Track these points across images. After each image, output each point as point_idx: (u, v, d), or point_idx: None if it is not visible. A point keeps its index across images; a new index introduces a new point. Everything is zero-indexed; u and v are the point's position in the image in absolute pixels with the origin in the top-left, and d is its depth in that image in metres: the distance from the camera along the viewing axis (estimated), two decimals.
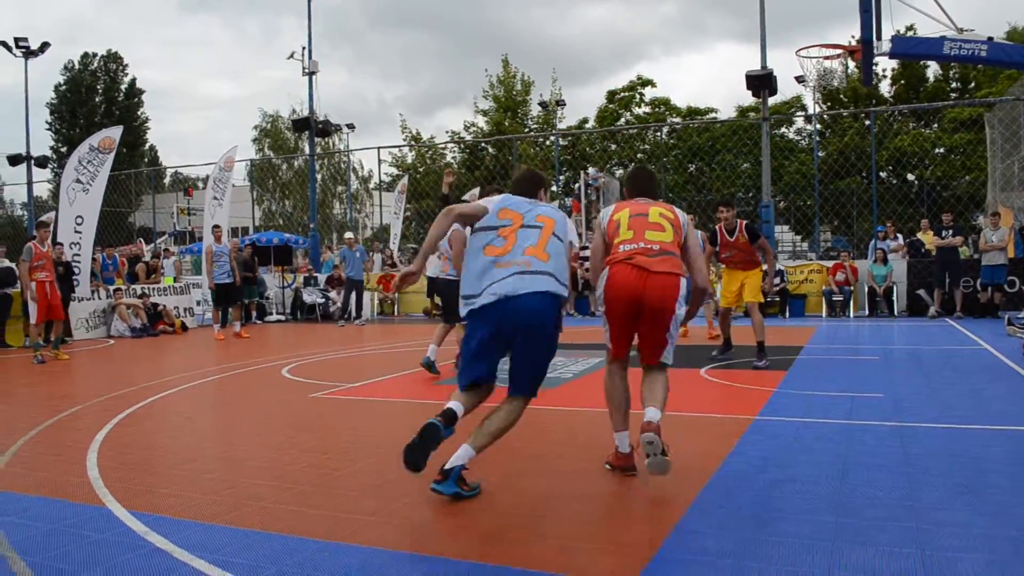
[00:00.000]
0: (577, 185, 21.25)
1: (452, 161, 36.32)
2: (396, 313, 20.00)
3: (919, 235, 17.13)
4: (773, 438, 5.25)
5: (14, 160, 25.68)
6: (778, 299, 16.33)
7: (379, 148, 25.41)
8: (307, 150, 25.27)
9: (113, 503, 4.09)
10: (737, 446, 5.02)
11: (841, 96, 32.67)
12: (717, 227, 9.27)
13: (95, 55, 53.51)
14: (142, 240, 27.28)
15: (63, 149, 47.12)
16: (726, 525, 3.53)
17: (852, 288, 16.04)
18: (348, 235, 18.91)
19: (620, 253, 4.33)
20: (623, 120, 37.55)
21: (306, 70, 22.70)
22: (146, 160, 50.37)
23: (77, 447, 5.48)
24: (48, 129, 51.16)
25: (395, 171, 35.71)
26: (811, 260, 18.72)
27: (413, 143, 36.80)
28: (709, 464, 4.56)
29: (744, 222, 9.33)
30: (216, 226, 15.84)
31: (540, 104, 36.75)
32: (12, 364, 11.18)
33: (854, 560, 3.09)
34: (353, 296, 17.80)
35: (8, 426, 6.54)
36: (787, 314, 16.21)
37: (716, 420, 6.09)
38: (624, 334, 4.45)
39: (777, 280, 16.33)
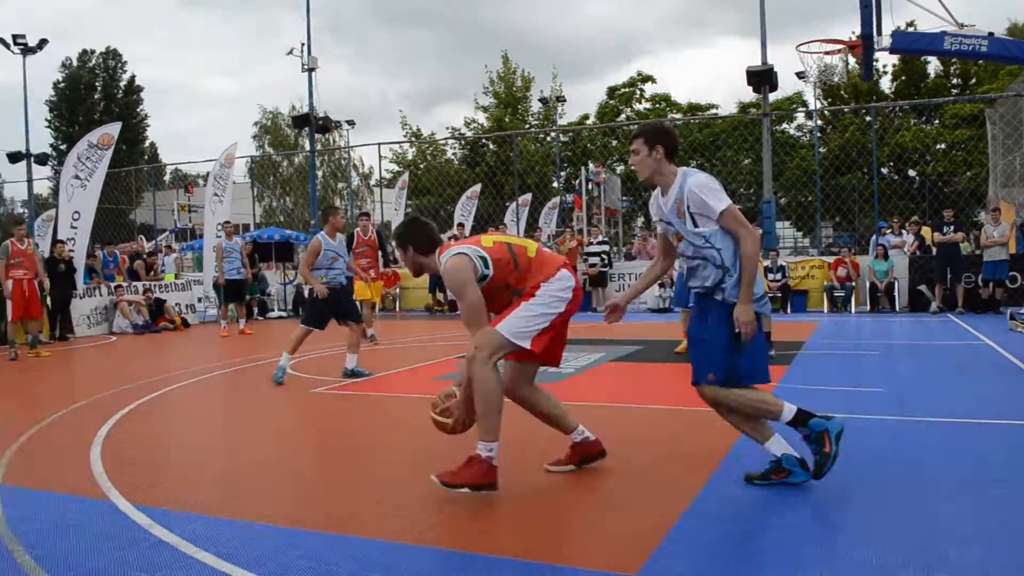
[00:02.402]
0: (578, 181, 21.22)
1: (453, 157, 36.30)
2: (397, 309, 20.00)
3: (921, 231, 17.11)
4: (775, 431, 5.24)
5: (14, 157, 25.69)
6: (779, 295, 16.33)
7: (380, 144, 25.37)
8: (307, 147, 25.27)
9: (117, 497, 4.10)
10: (739, 441, 5.00)
11: (842, 92, 32.69)
12: None
13: (94, 52, 53.53)
14: (143, 237, 27.28)
15: (63, 147, 47.12)
16: (729, 517, 3.55)
17: (853, 284, 16.04)
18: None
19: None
20: (624, 116, 37.57)
21: (305, 66, 22.68)
22: (146, 157, 50.41)
23: (81, 442, 5.48)
24: (48, 127, 51.20)
25: (396, 167, 35.73)
26: (812, 256, 18.72)
27: (414, 140, 36.81)
28: (711, 457, 4.57)
29: None
30: (227, 222, 15.88)
31: (541, 100, 36.80)
32: (17, 363, 11.17)
33: (854, 552, 3.10)
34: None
35: (12, 421, 6.55)
36: (789, 309, 16.21)
37: (715, 417, 6.08)
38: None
39: (779, 276, 16.34)
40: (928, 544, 3.16)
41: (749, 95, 28.33)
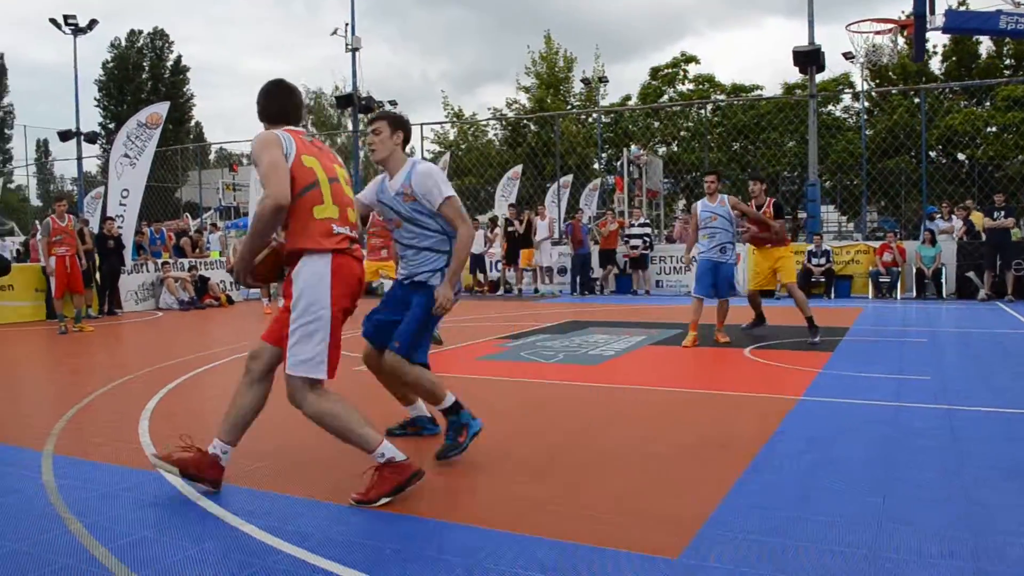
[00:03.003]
0: (619, 163, 21.08)
1: (494, 138, 36.22)
2: None
3: (970, 216, 16.76)
4: (818, 419, 5.21)
5: (64, 136, 26.24)
6: (823, 280, 16.13)
7: (422, 125, 25.47)
8: (350, 127, 25.41)
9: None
10: (781, 426, 4.98)
11: (890, 73, 31.99)
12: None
13: (141, 32, 54.23)
14: (188, 215, 27.67)
15: (111, 125, 47.88)
16: (770, 504, 3.52)
17: (900, 269, 15.78)
18: None
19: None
20: (666, 97, 37.18)
21: (349, 46, 22.79)
22: (191, 136, 51.09)
23: (130, 414, 5.61)
24: (96, 106, 52.06)
25: (437, 148, 35.79)
26: (857, 240, 18.43)
27: (455, 120, 36.81)
28: (753, 443, 4.53)
29: (773, 200, 9.29)
30: None
31: (583, 81, 36.55)
32: (67, 336, 11.43)
33: (899, 541, 3.06)
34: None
35: (63, 393, 6.74)
36: (832, 295, 16.00)
37: (760, 400, 6.05)
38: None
39: (823, 260, 16.12)
40: (973, 535, 3.11)
41: (795, 76, 27.79)
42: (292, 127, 3.77)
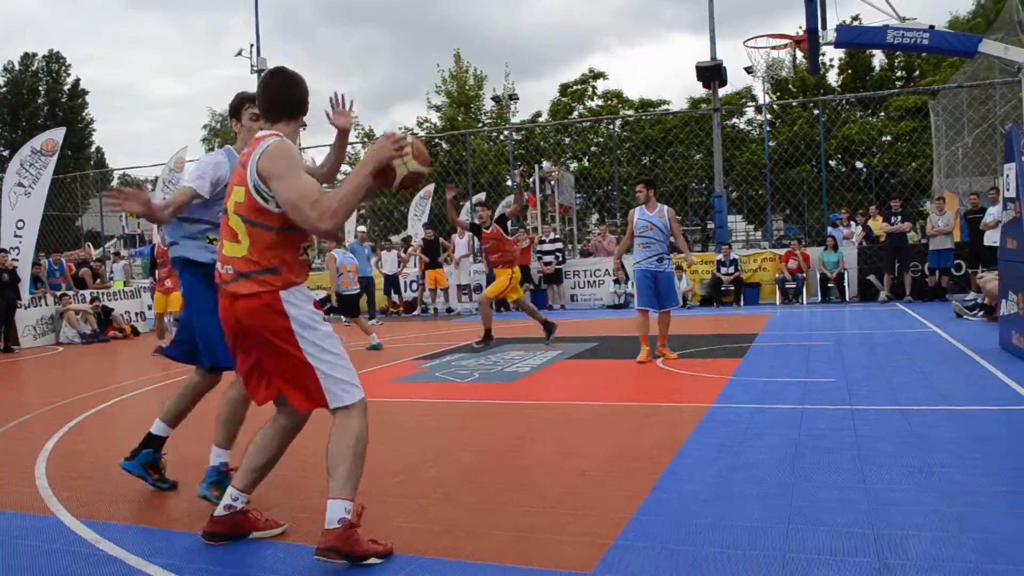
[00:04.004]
0: (531, 179, 21.25)
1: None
2: None
3: (869, 222, 17.42)
4: (728, 425, 5.31)
5: None
6: (732, 288, 16.51)
7: (331, 146, 25.10)
8: None
9: (63, 512, 4.01)
10: (693, 434, 5.06)
11: (790, 86, 33.14)
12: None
13: (35, 55, 52.27)
14: (90, 244, 26.74)
15: (5, 153, 45.89)
16: (683, 512, 3.56)
17: (805, 275, 16.27)
18: (361, 229, 17.99)
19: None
20: (576, 113, 37.69)
21: (255, 67, 22.44)
22: (92, 162, 49.36)
23: (26, 457, 5.35)
24: None
25: (348, 168, 35.43)
26: (764, 249, 18.95)
27: (367, 140, 36.55)
28: (665, 453, 4.59)
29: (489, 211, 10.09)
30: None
31: (493, 99, 36.78)
32: None
33: (808, 542, 3.14)
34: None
35: None
36: (741, 302, 16.39)
37: (672, 409, 6.14)
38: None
39: (731, 269, 16.50)
40: (876, 531, 3.20)
41: (700, 90, 28.61)
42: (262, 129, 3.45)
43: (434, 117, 37.42)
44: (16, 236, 14.72)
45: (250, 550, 3.38)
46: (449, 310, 18.64)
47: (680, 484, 4.01)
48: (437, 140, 34.71)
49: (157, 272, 11.68)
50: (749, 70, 20.50)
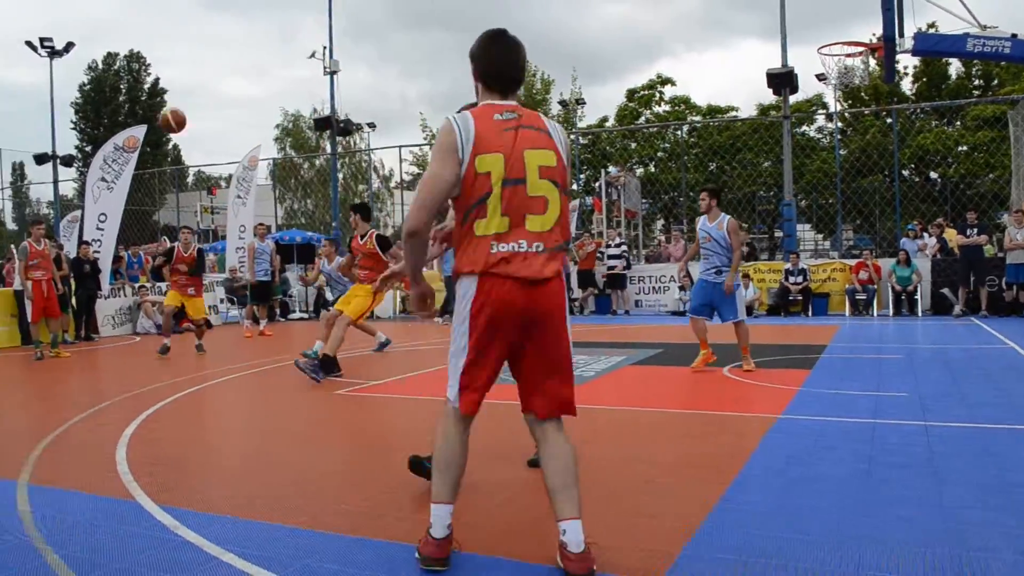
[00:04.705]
0: (598, 183, 21.21)
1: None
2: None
3: (943, 234, 16.99)
4: (797, 436, 5.24)
5: (40, 159, 26.06)
6: (800, 298, 16.26)
7: (400, 147, 25.51)
8: (328, 149, 25.41)
9: (143, 497, 4.15)
10: (761, 445, 5.01)
11: (862, 94, 32.46)
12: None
13: (118, 55, 54.03)
14: (166, 238, 27.49)
15: (88, 148, 47.59)
16: (750, 524, 3.53)
17: (875, 287, 15.94)
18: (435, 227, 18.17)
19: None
20: (643, 119, 37.48)
21: (327, 69, 22.81)
22: (169, 159, 50.77)
23: (106, 442, 5.55)
24: (73, 128, 51.72)
25: (416, 170, 35.83)
26: (833, 259, 18.61)
27: (434, 142, 36.89)
28: (733, 463, 4.55)
29: (375, 232, 9.16)
30: (259, 224, 16.03)
31: (560, 103, 36.79)
32: (43, 362, 11.31)
33: (881, 560, 3.08)
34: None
35: (39, 421, 6.66)
36: (809, 312, 16.14)
37: (740, 419, 6.08)
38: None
39: (799, 279, 16.26)
40: (954, 552, 3.14)
41: (769, 97, 28.15)
42: (497, 102, 3.12)
43: None
44: (98, 229, 15.27)
45: (322, 542, 3.46)
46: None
47: (748, 495, 3.97)
48: None
49: (172, 275, 11.76)
50: (821, 77, 20.21)
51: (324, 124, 23.51)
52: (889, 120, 28.20)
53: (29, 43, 24.80)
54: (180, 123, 10.06)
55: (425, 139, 36.90)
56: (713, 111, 36.72)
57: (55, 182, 27.23)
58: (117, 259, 16.57)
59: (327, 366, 8.45)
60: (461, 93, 77.51)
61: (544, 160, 3.00)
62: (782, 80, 17.83)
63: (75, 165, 29.62)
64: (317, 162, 41.10)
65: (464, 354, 3.07)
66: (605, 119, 39.17)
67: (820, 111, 33.83)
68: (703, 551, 3.22)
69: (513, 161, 2.94)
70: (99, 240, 15.25)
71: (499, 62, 3.14)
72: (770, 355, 9.26)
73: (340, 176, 23.85)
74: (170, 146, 54.56)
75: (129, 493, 4.25)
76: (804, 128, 34.28)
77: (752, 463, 4.56)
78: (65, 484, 4.48)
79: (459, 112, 3.10)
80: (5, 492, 4.34)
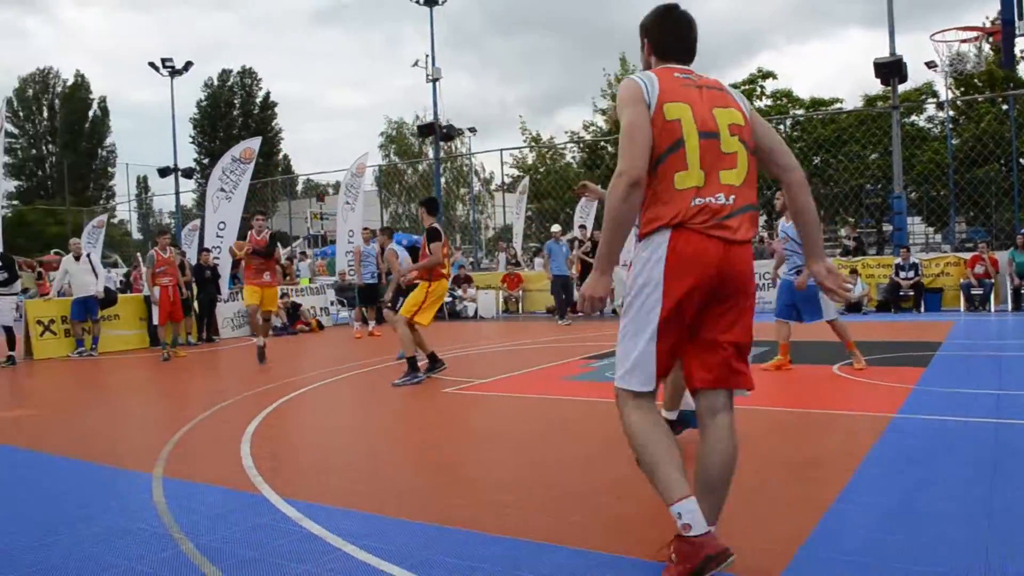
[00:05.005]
0: None
1: (572, 161, 36.39)
2: (520, 311, 20.22)
3: None
4: (914, 436, 5.09)
5: (163, 172, 27.42)
6: (912, 293, 15.68)
7: (501, 150, 25.76)
8: (431, 154, 25.85)
9: (267, 490, 4.36)
10: (876, 445, 4.89)
11: (976, 81, 30.97)
12: None
13: (231, 71, 56.35)
14: (279, 244, 28.51)
15: (205, 161, 49.83)
16: (869, 526, 3.45)
17: (992, 280, 15.23)
18: (556, 228, 17.51)
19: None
20: None
21: (429, 77, 23.23)
22: (280, 169, 52.62)
23: (231, 438, 5.84)
24: (191, 142, 54.32)
25: (516, 172, 36.04)
26: (946, 252, 17.87)
27: (534, 144, 37.05)
28: (847, 463, 4.45)
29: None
30: (365, 227, 16.49)
31: None
32: (169, 363, 11.92)
33: (1007, 566, 2.96)
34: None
35: (168, 417, 7.06)
36: (922, 308, 15.55)
37: (853, 418, 5.94)
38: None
39: (911, 273, 15.69)
40: None
41: (875, 87, 27.22)
42: (673, 65, 3.09)
43: (600, 121, 37.43)
44: (218, 236, 15.98)
45: (440, 535, 3.57)
46: (615, 311, 18.66)
47: (864, 497, 3.88)
48: (603, 143, 34.75)
49: (247, 267, 11.39)
50: (931, 65, 19.42)
51: (427, 130, 23.95)
52: (1005, 107, 26.83)
53: (152, 64, 26.13)
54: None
55: (525, 141, 37.13)
56: (816, 103, 35.65)
57: (176, 193, 28.61)
58: (235, 265, 17.29)
59: (414, 367, 8.40)
60: (556, 95, 77.49)
61: (732, 119, 2.93)
62: (891, 69, 17.22)
63: (194, 177, 31.03)
64: (420, 167, 41.82)
65: (654, 321, 2.82)
66: None
67: (930, 100, 32.48)
68: (820, 552, 3.17)
69: (703, 115, 2.87)
70: (219, 247, 15.96)
71: (675, 33, 3.14)
72: (882, 352, 8.99)
73: (442, 180, 24.20)
74: (280, 156, 56.58)
75: (255, 486, 4.47)
76: (913, 118, 32.97)
77: (868, 463, 4.45)
78: (196, 477, 4.75)
79: None
80: (141, 484, 4.63)
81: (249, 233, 11.52)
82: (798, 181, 3.04)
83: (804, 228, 3.10)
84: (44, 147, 58.57)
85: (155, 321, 12.72)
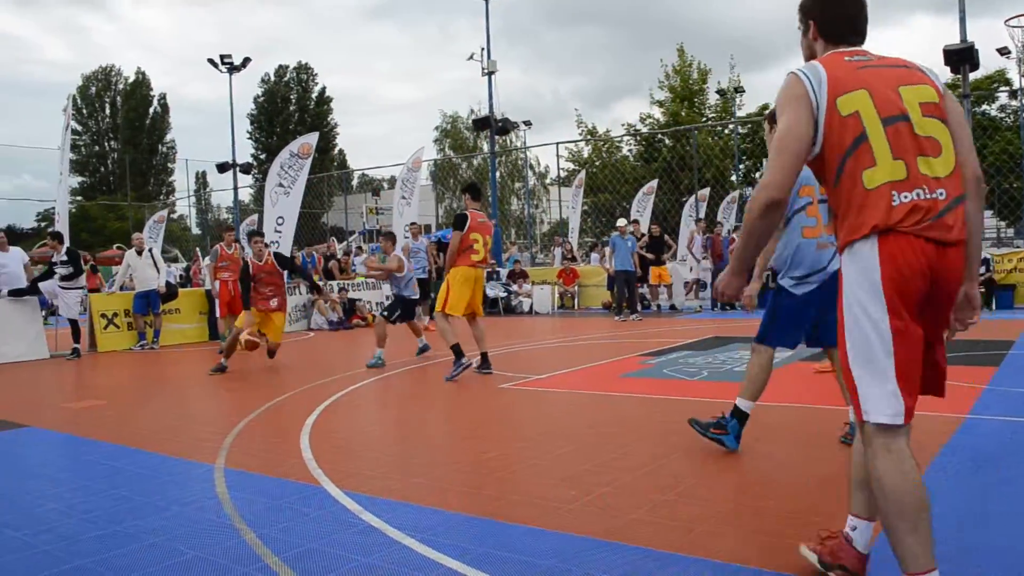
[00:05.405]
0: (758, 174, 20.60)
1: (628, 154, 36.08)
2: (576, 307, 20.14)
3: None
4: (986, 438, 4.92)
5: (222, 168, 27.90)
6: (983, 290, 15.22)
7: (556, 144, 25.68)
8: (486, 148, 25.88)
9: (327, 482, 4.40)
10: (947, 446, 4.74)
11: None
12: None
13: (288, 67, 57.21)
14: (334, 239, 28.83)
15: (262, 156, 50.68)
16: (939, 530, 3.33)
17: None
18: (621, 222, 16.95)
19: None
20: None
21: (485, 70, 23.24)
22: (335, 163, 53.31)
23: (291, 430, 5.91)
24: (249, 138, 55.33)
25: (572, 166, 35.96)
26: (1020, 247, 17.30)
27: (589, 137, 36.89)
28: (919, 462, 4.31)
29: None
30: (412, 223, 16.58)
31: (718, 92, 35.97)
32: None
33: None
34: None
35: (232, 409, 7.17)
36: (993, 306, 15.07)
37: (922, 418, 5.71)
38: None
39: (982, 269, 15.22)
40: None
41: (945, 76, 26.43)
42: (845, 48, 2.73)
43: (657, 113, 37.14)
44: (276, 231, 16.19)
45: (496, 530, 3.55)
46: (672, 307, 18.48)
47: (935, 499, 3.75)
48: (660, 136, 34.45)
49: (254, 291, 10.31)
50: (1004, 51, 18.81)
51: (483, 124, 23.95)
52: None
53: (211, 60, 26.59)
54: (252, 348, 10.33)
55: (580, 135, 36.99)
56: None
57: (235, 188, 29.09)
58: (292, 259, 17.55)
59: (459, 354, 8.45)
60: (612, 88, 77.12)
61: (924, 96, 2.52)
62: (961, 56, 16.69)
63: (251, 172, 31.55)
64: (475, 161, 41.98)
65: (889, 345, 2.46)
66: (766, 107, 37.87)
67: (1003, 88, 31.51)
68: (888, 553, 3.08)
69: (884, 97, 2.49)
70: (277, 242, 16.16)
71: (848, 10, 2.78)
72: (951, 352, 8.68)
73: (497, 174, 24.22)
74: (336, 151, 57.28)
75: (314, 478, 4.51)
76: (984, 107, 32.02)
77: (938, 465, 4.32)
78: (257, 469, 4.82)
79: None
80: (205, 475, 4.71)
81: (248, 259, 10.41)
82: (972, 185, 2.57)
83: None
84: (106, 143, 60.30)
85: (216, 314, 12.96)
